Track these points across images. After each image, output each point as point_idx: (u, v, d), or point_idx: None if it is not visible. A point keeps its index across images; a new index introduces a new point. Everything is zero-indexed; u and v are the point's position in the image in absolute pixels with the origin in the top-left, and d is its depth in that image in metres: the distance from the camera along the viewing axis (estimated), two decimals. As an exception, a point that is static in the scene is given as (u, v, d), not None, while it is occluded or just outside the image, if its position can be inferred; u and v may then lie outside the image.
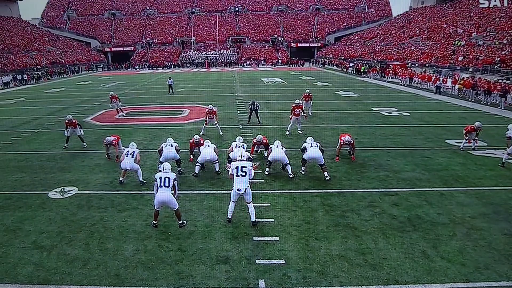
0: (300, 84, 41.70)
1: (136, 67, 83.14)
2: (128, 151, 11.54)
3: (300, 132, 17.79)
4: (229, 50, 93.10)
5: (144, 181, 11.61)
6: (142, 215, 9.59)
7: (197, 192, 10.97)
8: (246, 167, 9.07)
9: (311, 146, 11.90)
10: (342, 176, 12.10)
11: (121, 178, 11.66)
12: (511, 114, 22.83)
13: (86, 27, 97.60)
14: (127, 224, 9.11)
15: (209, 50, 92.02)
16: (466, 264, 7.37)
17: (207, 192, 10.98)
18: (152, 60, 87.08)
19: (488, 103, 26.75)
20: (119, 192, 11.10)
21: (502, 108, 24.88)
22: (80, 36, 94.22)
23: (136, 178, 11.82)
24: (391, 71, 47.40)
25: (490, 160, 13.71)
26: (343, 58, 75.64)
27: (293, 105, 17.65)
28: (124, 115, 23.59)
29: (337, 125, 19.66)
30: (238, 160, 9.38)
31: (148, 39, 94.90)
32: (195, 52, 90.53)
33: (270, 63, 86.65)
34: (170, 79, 36.04)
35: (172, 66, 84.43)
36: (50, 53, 73.87)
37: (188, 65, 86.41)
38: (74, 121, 16.11)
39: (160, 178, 8.74)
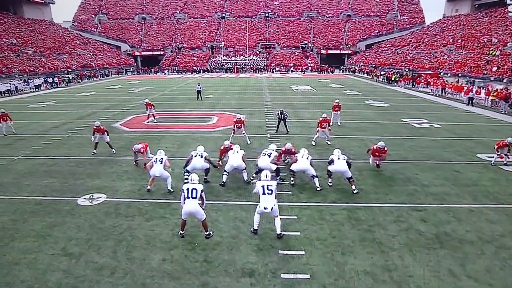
0: (329, 92, 41.70)
1: (165, 72, 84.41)
2: (156, 158, 11.83)
3: (329, 143, 17.75)
4: (258, 56, 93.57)
5: (172, 190, 11.85)
6: (169, 224, 9.82)
7: (224, 202, 11.16)
8: (271, 185, 9.20)
9: (338, 159, 11.93)
10: (369, 189, 12.08)
11: (148, 187, 11.95)
12: (546, 127, 22.23)
13: (116, 31, 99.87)
14: (154, 233, 9.35)
15: (238, 56, 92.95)
16: (493, 284, 7.31)
17: (234, 202, 11.15)
18: (181, 65, 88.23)
19: (523, 115, 26.09)
20: (147, 200, 11.38)
21: (537, 120, 24.19)
22: (111, 40, 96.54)
23: (164, 186, 12.09)
24: (422, 81, 46.57)
25: (524, 176, 13.45)
26: (373, 66, 75.07)
27: (320, 118, 17.54)
28: (155, 121, 24.04)
29: (366, 136, 19.55)
30: (263, 180, 9.43)
31: (177, 43, 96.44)
32: (224, 57, 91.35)
33: (300, 70, 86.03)
34: (199, 85, 36.35)
35: (201, 71, 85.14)
36: (80, 56, 76.05)
37: (217, 70, 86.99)
38: (102, 127, 16.52)
39: (188, 189, 8.96)
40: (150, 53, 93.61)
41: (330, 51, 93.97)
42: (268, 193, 9.14)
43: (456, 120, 24.44)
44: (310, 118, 24.51)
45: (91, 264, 8.09)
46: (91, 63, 74.51)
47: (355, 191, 11.67)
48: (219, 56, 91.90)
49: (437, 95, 39.37)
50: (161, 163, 11.71)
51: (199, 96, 35.53)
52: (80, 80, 60.51)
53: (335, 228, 9.46)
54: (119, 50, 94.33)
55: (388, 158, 14.93)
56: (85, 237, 9.25)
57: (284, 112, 20.31)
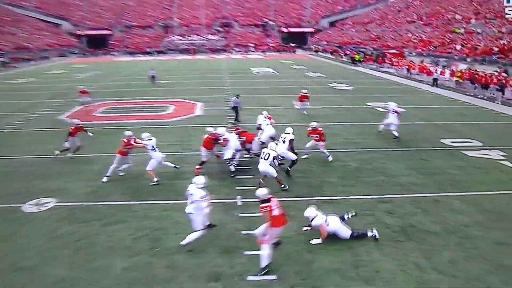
0: (293, 75, 42.51)
1: (114, 53, 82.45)
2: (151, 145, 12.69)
3: (330, 159, 14.73)
4: (216, 36, 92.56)
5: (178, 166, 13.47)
6: (130, 228, 9.87)
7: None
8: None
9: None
10: (337, 181, 12.65)
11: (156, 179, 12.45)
12: (508, 110, 23.62)
13: (55, 6, 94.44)
14: (114, 239, 9.39)
15: (194, 35, 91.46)
16: (457, 276, 7.89)
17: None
18: (132, 46, 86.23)
19: (485, 97, 27.48)
20: (104, 203, 11.32)
21: (499, 103, 25.61)
22: (49, 17, 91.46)
23: (125, 185, 12.17)
24: (387, 61, 48.20)
25: (487, 161, 14.40)
26: (337, 45, 76.24)
27: (309, 129, 14.79)
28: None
29: (331, 123, 20.01)
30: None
31: (126, 21, 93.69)
32: (179, 37, 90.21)
33: (261, 50, 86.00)
34: (152, 70, 36.00)
35: (155, 53, 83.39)
36: (14, 36, 71.78)
37: (171, 51, 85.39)
38: (80, 125, 15.43)
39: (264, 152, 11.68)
40: (96, 32, 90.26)
41: (291, 30, 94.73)
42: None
43: (421, 103, 25.62)
44: (276, 105, 24.85)
45: (47, 278, 8.00)
46: (27, 45, 70.79)
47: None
48: (174, 36, 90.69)
49: (402, 76, 40.57)
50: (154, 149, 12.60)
51: (153, 81, 35.21)
52: (15, 65, 57.65)
53: (302, 224, 9.72)
54: (60, 28, 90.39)
55: (356, 147, 15.52)
56: (38, 248, 9.08)
57: (237, 100, 20.64)
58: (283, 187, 11.97)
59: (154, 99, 28.39)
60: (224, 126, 14.97)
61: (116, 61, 67.60)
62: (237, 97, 20.88)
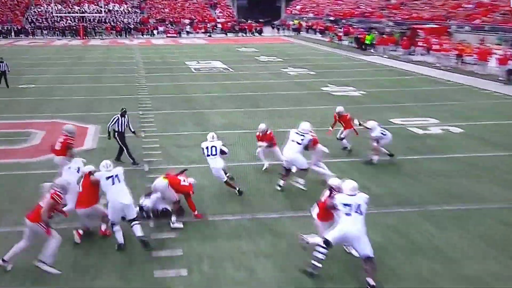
0: (258, 73, 30.56)
1: None
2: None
3: (303, 188, 11.83)
4: (125, 5, 64.16)
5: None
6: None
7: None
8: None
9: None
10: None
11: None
12: None
13: None
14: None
15: (85, 3, 62.24)
16: None
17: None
18: None
19: None
20: None
21: None
22: None
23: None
24: (420, 42, 34.18)
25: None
26: (331, 19, 55.42)
27: (258, 132, 13.18)
28: None
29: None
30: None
31: None
32: (59, 7, 59.79)
33: (203, 31, 60.27)
34: (2, 62, 24.29)
35: (13, 33, 55.96)
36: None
37: (45, 32, 57.96)
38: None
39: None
40: None
41: None
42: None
43: (495, 116, 19.01)
44: (225, 124, 17.85)
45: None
46: None
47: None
48: (48, 5, 59.84)
49: (449, 68, 28.78)
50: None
51: (4, 81, 24.30)
52: None
53: (224, 242, 9.10)
54: None
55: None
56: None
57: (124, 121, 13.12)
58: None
59: (5, 118, 18.90)
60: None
61: None
62: None
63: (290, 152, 11.37)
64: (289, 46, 46.62)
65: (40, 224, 7.76)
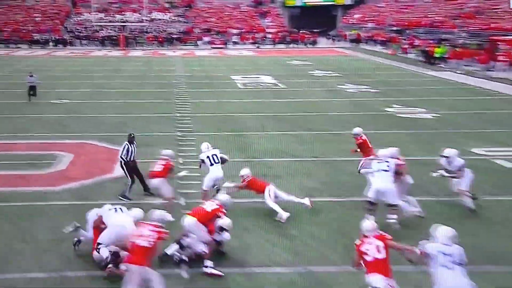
0: (312, 89, 28.06)
1: None
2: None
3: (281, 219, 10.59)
4: (167, 14, 62.15)
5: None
6: None
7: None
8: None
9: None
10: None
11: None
12: None
13: None
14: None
15: (127, 13, 60.50)
16: None
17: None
18: (7, 28, 57.00)
19: None
20: None
21: None
22: None
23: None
24: (501, 56, 30.95)
25: None
26: (395, 29, 50.52)
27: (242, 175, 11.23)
28: None
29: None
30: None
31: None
32: (99, 14, 58.79)
33: (251, 41, 56.73)
34: (31, 75, 23.90)
35: (50, 43, 54.70)
36: None
37: (84, 41, 56.24)
38: None
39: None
40: None
41: (308, 2, 62.04)
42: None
43: None
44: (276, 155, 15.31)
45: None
46: None
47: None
48: (89, 14, 58.94)
49: None
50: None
51: (32, 95, 23.38)
52: None
53: None
54: None
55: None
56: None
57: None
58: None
59: (31, 138, 17.47)
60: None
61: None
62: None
63: (383, 183, 9.71)
64: (346, 59, 42.92)
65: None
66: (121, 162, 11.72)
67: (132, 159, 11.71)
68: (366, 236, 6.69)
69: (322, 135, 17.96)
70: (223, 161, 11.03)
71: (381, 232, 6.85)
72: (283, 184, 11.86)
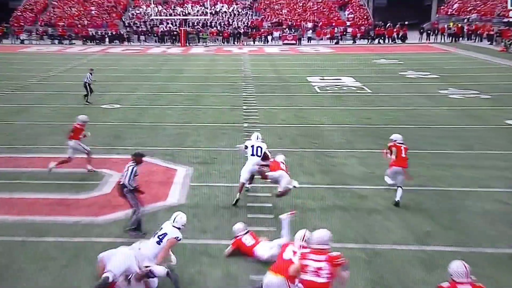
0: (406, 94, 23.92)
1: (21, 38, 51.46)
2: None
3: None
4: (234, 6, 56.72)
5: None
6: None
7: None
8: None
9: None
10: None
11: None
12: None
13: None
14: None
15: (189, 6, 56.20)
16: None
17: None
18: (61, 24, 53.71)
19: None
20: None
21: None
22: None
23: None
24: None
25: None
26: (504, 22, 42.73)
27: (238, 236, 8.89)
28: None
29: None
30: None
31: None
32: (159, 8, 55.15)
33: (329, 37, 50.72)
34: (91, 73, 21.78)
35: (107, 39, 51.50)
36: None
37: (142, 37, 52.27)
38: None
39: None
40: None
41: None
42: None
43: None
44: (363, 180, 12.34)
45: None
46: None
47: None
48: (147, 7, 55.51)
49: None
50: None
51: (88, 94, 21.52)
52: None
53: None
54: None
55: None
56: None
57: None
58: None
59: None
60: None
61: (23, 53, 43.86)
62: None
63: None
64: (445, 58, 37.31)
65: None
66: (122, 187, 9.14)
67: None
68: (457, 282, 5.34)
69: (424, 156, 13.98)
70: (264, 157, 10.85)
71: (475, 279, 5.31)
72: (378, 220, 9.53)
